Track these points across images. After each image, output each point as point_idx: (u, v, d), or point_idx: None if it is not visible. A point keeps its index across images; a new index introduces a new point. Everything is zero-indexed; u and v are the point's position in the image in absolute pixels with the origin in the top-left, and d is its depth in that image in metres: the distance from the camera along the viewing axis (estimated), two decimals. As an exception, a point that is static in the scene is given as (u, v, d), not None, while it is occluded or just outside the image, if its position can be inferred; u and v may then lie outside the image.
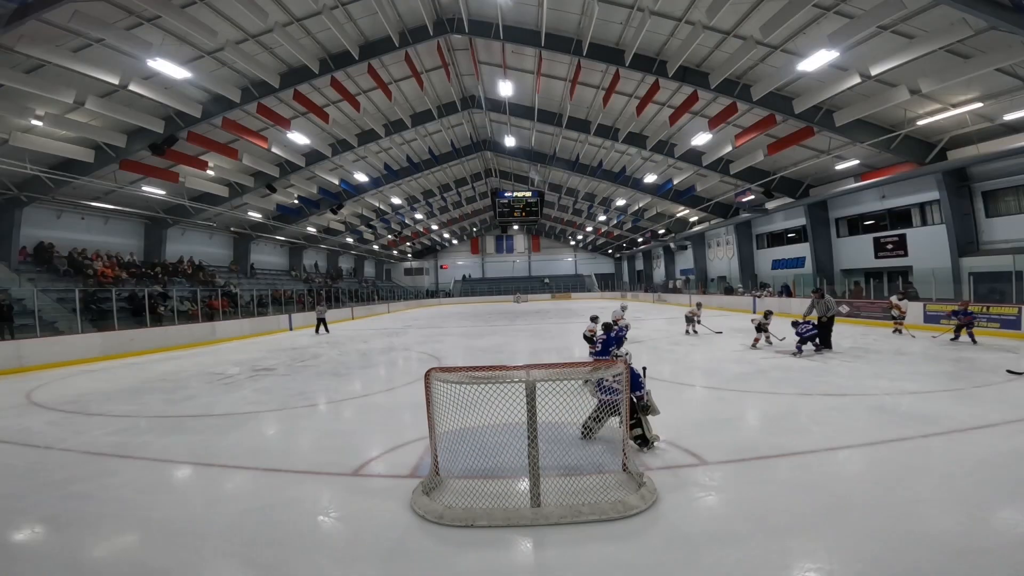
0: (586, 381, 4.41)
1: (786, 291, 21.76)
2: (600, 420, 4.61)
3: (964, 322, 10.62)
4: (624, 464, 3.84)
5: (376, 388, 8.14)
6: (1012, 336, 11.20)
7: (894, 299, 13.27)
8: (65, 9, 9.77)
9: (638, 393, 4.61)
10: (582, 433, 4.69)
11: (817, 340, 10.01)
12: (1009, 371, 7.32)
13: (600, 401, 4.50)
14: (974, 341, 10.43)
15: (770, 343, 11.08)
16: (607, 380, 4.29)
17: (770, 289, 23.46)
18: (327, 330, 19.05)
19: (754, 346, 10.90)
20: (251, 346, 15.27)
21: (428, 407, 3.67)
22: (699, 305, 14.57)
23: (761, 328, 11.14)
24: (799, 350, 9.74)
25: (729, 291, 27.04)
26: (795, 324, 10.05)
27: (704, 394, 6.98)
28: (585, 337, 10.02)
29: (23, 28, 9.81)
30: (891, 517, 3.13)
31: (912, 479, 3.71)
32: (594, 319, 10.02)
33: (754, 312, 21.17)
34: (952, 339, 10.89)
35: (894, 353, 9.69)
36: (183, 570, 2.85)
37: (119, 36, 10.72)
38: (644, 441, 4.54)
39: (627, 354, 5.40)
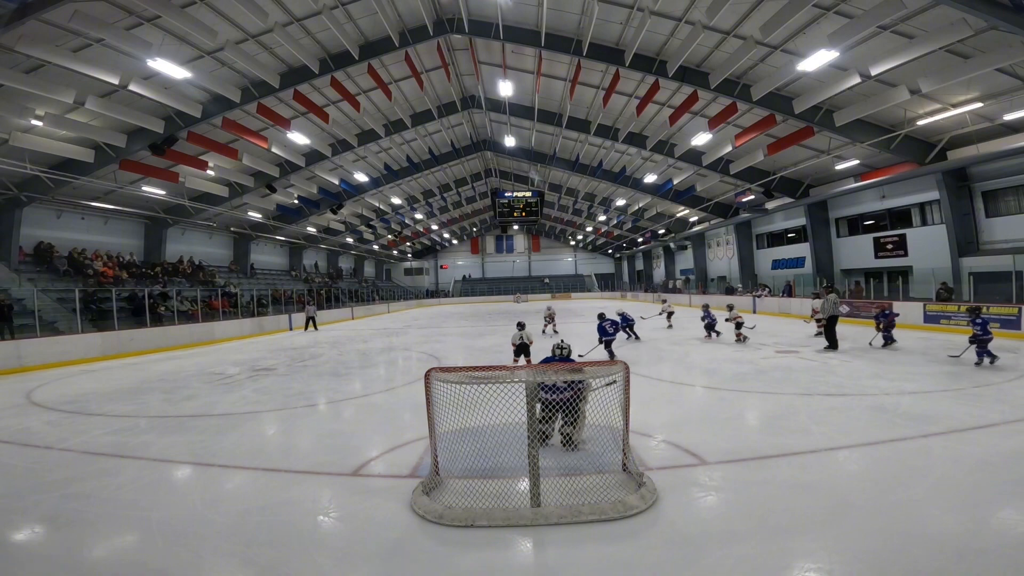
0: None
1: (786, 291, 21.75)
2: (548, 421, 4.50)
3: (886, 323, 10.50)
4: (624, 464, 3.84)
5: (376, 388, 8.14)
6: (1012, 336, 11.20)
7: (814, 304, 13.29)
8: (65, 9, 9.76)
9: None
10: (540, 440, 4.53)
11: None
12: (950, 355, 8.26)
13: (542, 401, 4.34)
14: (889, 341, 10.44)
15: (718, 333, 12.64)
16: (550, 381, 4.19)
17: (769, 289, 23.41)
18: (315, 327, 20.60)
19: (737, 339, 11.76)
20: (251, 346, 15.27)
21: (428, 407, 3.67)
22: (730, 307, 13.11)
23: (739, 324, 11.80)
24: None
25: (730, 291, 27.02)
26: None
27: (704, 394, 6.98)
28: (515, 346, 9.05)
29: (23, 28, 9.79)
30: (891, 517, 3.13)
31: (912, 479, 3.71)
32: (520, 326, 9.29)
33: (754, 312, 21.20)
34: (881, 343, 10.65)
35: (894, 353, 9.69)
36: (183, 570, 2.85)
37: (119, 36, 10.71)
38: (569, 441, 4.39)
39: (561, 343, 5.31)
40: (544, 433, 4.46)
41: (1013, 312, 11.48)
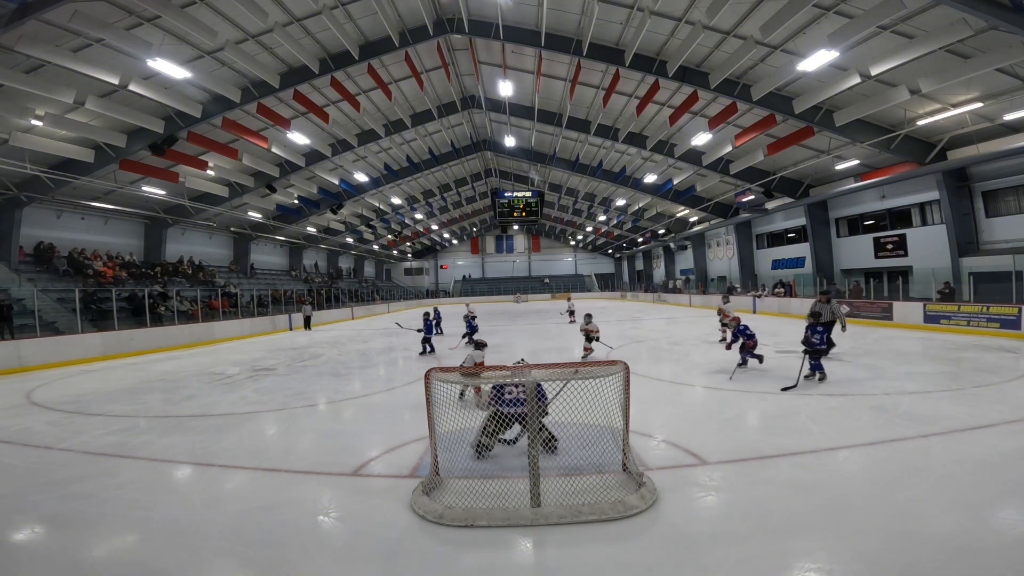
0: (462, 394, 4.09)
1: (787, 290, 21.74)
2: (496, 435, 4.31)
3: (748, 345, 8.07)
4: (624, 464, 3.84)
5: (376, 388, 8.14)
6: (1012, 336, 11.20)
7: (724, 306, 11.73)
8: (65, 9, 9.77)
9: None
10: (476, 453, 4.28)
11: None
12: (784, 388, 6.57)
13: (495, 413, 4.18)
14: (743, 362, 8.14)
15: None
16: (511, 392, 4.04)
17: (773, 289, 23.15)
18: (308, 327, 21.31)
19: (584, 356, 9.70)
20: (251, 346, 15.27)
21: (428, 407, 3.67)
22: (588, 317, 10.07)
23: (592, 338, 9.67)
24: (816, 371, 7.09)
25: (730, 291, 27.01)
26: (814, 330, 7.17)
27: (704, 394, 6.97)
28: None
29: (23, 28, 9.79)
30: (891, 517, 3.14)
31: (912, 479, 3.71)
32: (480, 345, 7.83)
33: (754, 312, 21.19)
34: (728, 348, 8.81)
35: (894, 353, 9.70)
36: (183, 570, 2.85)
37: (119, 36, 10.71)
38: (548, 444, 4.29)
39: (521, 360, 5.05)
40: (486, 446, 4.30)
41: (1013, 312, 11.48)
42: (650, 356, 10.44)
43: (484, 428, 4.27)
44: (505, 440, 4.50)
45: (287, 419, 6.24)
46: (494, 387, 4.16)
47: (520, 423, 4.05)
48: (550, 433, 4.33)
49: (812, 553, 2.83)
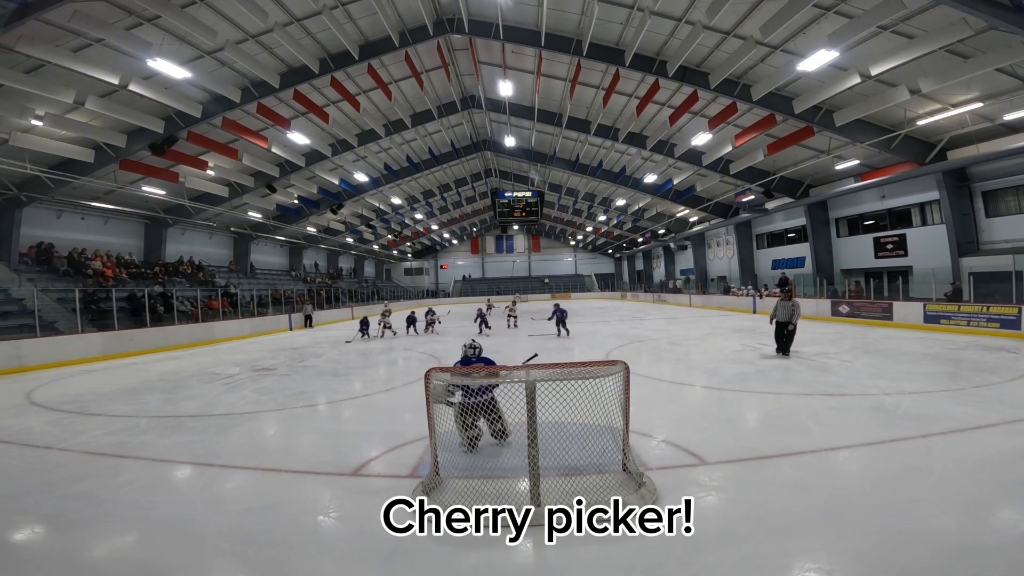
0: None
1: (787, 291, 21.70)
2: (474, 426, 4.44)
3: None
4: (624, 464, 3.84)
5: (376, 388, 8.14)
6: (1012, 336, 11.20)
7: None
8: (65, 9, 9.76)
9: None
10: (468, 447, 4.47)
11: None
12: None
13: (462, 405, 4.27)
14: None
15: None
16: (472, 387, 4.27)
17: (775, 289, 23.13)
18: (310, 325, 22.11)
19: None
20: (251, 346, 15.28)
21: (428, 407, 3.68)
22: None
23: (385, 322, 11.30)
24: None
25: (726, 291, 27.04)
26: None
27: (704, 394, 6.97)
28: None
29: (23, 28, 9.78)
30: (891, 517, 3.14)
31: (912, 479, 3.71)
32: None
33: (754, 312, 21.18)
34: None
35: (894, 353, 9.70)
36: (183, 570, 2.85)
37: (119, 36, 10.71)
38: (502, 434, 4.56)
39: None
40: (475, 438, 4.49)
41: (1013, 312, 11.49)
42: (650, 356, 10.45)
43: (462, 424, 4.40)
44: (470, 445, 4.55)
45: (287, 419, 6.24)
46: (460, 385, 4.32)
47: (484, 415, 4.24)
48: (503, 425, 4.55)
49: (812, 553, 2.83)
